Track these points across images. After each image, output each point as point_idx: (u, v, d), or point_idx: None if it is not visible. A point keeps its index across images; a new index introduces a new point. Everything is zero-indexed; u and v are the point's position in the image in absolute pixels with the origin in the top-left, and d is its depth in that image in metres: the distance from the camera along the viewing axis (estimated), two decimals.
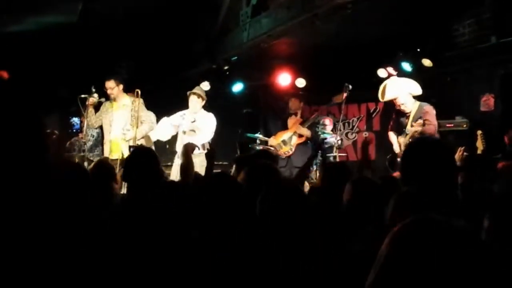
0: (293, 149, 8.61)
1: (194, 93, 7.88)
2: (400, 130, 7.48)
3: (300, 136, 8.62)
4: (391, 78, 7.55)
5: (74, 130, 8.53)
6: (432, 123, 6.98)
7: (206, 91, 9.23)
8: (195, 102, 7.86)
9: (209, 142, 7.77)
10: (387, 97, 7.46)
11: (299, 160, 8.21)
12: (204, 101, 7.97)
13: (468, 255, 1.23)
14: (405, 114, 7.28)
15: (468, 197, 3.06)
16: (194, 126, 7.78)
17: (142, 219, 3.09)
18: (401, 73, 8.22)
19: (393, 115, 7.69)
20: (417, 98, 7.30)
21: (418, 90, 7.28)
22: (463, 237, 1.26)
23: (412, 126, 7.07)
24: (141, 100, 7.64)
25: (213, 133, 7.90)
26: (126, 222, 3.10)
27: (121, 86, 7.69)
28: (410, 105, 7.20)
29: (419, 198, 2.47)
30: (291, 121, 8.85)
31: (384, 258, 1.29)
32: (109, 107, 7.74)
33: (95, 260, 2.58)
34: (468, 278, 1.22)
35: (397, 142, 7.47)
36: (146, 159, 3.61)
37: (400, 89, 7.27)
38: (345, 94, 7.94)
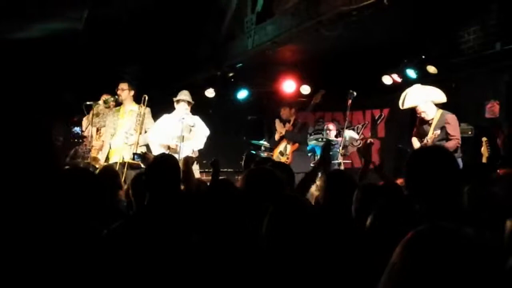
0: (290, 157, 8.61)
1: (183, 100, 7.68)
2: (421, 139, 7.43)
3: (294, 143, 8.63)
4: (414, 86, 7.33)
5: (76, 140, 8.54)
6: (456, 137, 6.86)
7: (210, 98, 9.25)
8: (185, 109, 7.68)
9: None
10: (406, 105, 7.29)
11: (297, 166, 8.13)
12: (190, 106, 7.82)
13: (479, 264, 1.25)
14: (427, 122, 7.17)
15: (474, 204, 3.06)
16: (193, 130, 7.71)
17: (166, 227, 3.11)
18: (406, 80, 8.22)
19: (416, 121, 7.61)
20: (440, 105, 7.20)
21: (441, 98, 7.13)
22: (474, 245, 1.28)
23: (433, 134, 7.00)
24: (149, 109, 7.65)
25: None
26: (148, 230, 3.11)
27: (132, 92, 7.77)
28: (431, 113, 7.06)
29: (423, 207, 2.48)
30: (284, 129, 8.89)
31: (396, 266, 1.30)
32: (115, 111, 7.78)
33: (107, 270, 2.59)
34: (479, 285, 1.22)
35: None
36: (172, 167, 3.61)
37: (419, 97, 7.11)
38: (349, 101, 7.91)
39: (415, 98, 7.13)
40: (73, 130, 8.78)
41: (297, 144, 8.61)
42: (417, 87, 7.26)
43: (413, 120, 7.58)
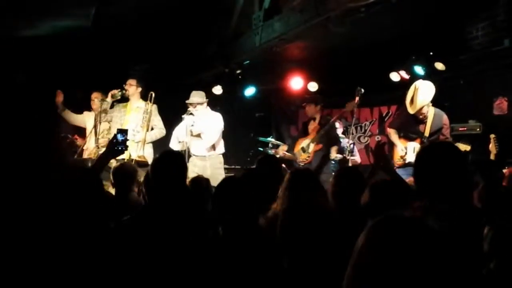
0: (311, 156, 8.37)
1: (191, 104, 7.81)
2: (406, 133, 7.42)
3: (318, 143, 8.39)
4: (420, 83, 7.17)
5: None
6: (448, 138, 6.97)
7: (218, 95, 9.24)
8: (193, 110, 7.81)
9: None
10: (418, 107, 7.05)
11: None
12: (203, 104, 7.88)
13: (427, 248, 1.40)
14: (420, 119, 7.17)
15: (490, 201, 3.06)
16: (195, 130, 7.78)
17: (171, 222, 3.13)
18: (414, 77, 8.19)
19: (397, 112, 7.55)
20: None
21: (434, 91, 7.09)
22: (425, 232, 1.43)
23: (430, 135, 6.98)
24: (155, 106, 7.68)
25: (219, 133, 7.87)
26: (154, 226, 3.13)
27: (139, 89, 7.80)
28: (428, 111, 7.10)
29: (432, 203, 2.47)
30: (310, 127, 8.67)
31: (358, 250, 1.47)
32: (122, 106, 7.80)
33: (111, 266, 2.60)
34: (426, 269, 1.37)
35: (400, 144, 7.41)
36: (177, 163, 3.61)
37: (428, 97, 7.01)
38: (357, 98, 7.88)
39: (424, 99, 7.05)
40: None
41: (321, 145, 8.36)
42: (423, 83, 7.15)
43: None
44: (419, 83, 7.14)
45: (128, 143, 7.36)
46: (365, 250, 1.45)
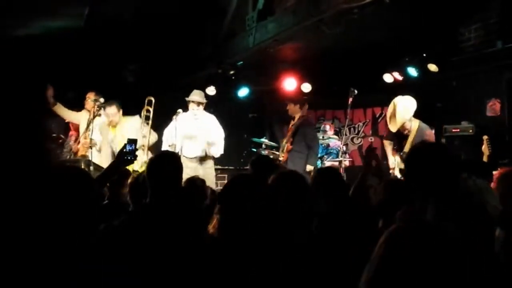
0: (285, 156, 8.39)
1: (193, 102, 7.90)
2: (395, 145, 7.46)
3: (290, 144, 8.41)
4: (398, 100, 7.17)
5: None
6: None
7: (211, 96, 9.23)
8: (195, 109, 7.91)
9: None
10: (399, 122, 7.06)
11: (291, 166, 7.93)
12: (203, 104, 7.99)
13: (453, 256, 1.43)
14: (404, 135, 7.16)
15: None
16: (196, 130, 7.78)
17: (166, 224, 3.12)
18: (407, 78, 8.21)
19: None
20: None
21: (415, 107, 7.07)
22: (448, 240, 1.46)
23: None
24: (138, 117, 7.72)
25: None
26: (150, 227, 3.12)
27: (121, 111, 7.77)
28: (411, 126, 7.10)
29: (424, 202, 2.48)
30: (290, 126, 8.75)
31: (378, 257, 1.48)
32: (110, 126, 7.82)
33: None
34: (451, 276, 1.41)
35: (392, 156, 7.44)
36: (174, 164, 3.60)
37: (407, 115, 7.00)
38: (350, 99, 7.88)
39: (404, 116, 7.02)
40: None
41: (291, 146, 8.38)
42: (401, 101, 7.13)
43: None
44: (397, 100, 7.16)
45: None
46: (388, 256, 1.47)
